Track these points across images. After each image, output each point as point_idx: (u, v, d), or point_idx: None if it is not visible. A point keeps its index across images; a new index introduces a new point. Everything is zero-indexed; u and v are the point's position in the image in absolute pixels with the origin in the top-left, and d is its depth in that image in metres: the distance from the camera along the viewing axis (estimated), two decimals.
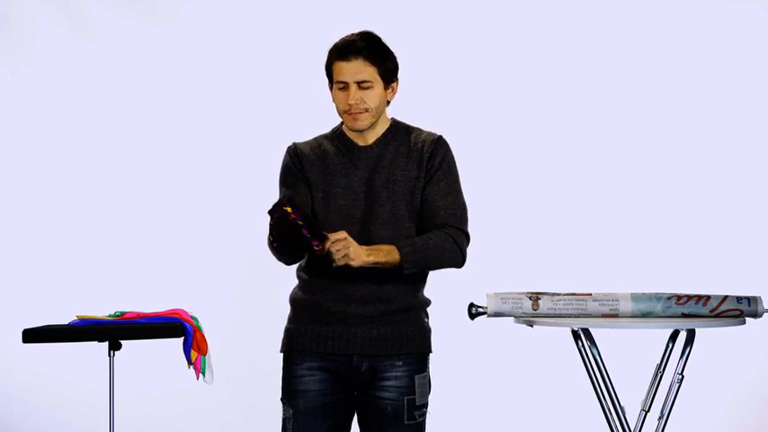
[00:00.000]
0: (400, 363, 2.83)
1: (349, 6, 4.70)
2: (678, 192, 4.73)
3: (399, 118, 2.96)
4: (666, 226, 4.71)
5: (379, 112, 2.86)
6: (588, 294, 2.79)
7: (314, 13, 4.77)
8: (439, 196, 2.84)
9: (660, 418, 2.82)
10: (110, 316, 3.49)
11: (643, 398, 2.93)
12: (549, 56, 4.78)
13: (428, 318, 2.94)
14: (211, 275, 4.76)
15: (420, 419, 2.86)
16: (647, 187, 4.73)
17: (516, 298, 2.79)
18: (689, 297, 2.78)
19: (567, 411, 4.53)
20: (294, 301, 2.92)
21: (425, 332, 2.91)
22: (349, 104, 2.81)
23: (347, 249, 2.66)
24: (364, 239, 2.76)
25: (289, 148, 2.95)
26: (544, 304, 2.77)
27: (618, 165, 4.75)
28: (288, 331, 2.90)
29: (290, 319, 2.91)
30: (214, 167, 4.81)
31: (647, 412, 2.89)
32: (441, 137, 2.91)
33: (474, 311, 2.80)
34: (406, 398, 2.83)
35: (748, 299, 2.79)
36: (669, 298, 2.78)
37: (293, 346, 2.87)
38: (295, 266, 2.94)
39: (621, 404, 2.77)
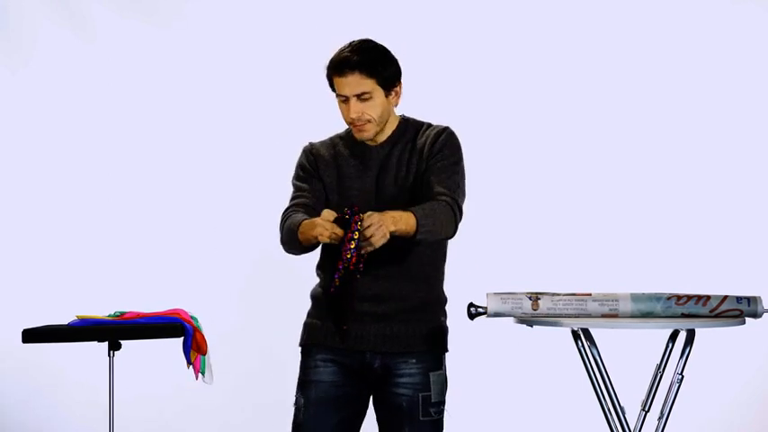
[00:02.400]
0: (414, 360, 2.85)
1: (351, 6, 4.70)
2: (678, 192, 4.73)
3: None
4: (666, 226, 4.71)
5: (384, 119, 2.86)
6: (588, 294, 2.79)
7: (316, 12, 4.77)
8: (434, 172, 2.83)
9: (660, 418, 2.82)
10: (110, 316, 3.50)
11: (643, 398, 2.93)
12: (549, 56, 4.78)
13: (445, 317, 2.95)
14: (211, 275, 4.76)
15: (437, 417, 2.87)
16: (647, 187, 4.73)
17: (516, 298, 2.78)
18: (689, 297, 2.78)
19: (567, 411, 4.53)
20: (314, 297, 2.95)
21: (441, 331, 2.92)
22: (351, 118, 2.82)
23: (381, 229, 2.57)
24: None
25: (305, 147, 2.97)
26: (544, 304, 2.77)
27: (618, 165, 4.75)
28: (306, 325, 2.94)
29: (310, 314, 2.95)
30: (215, 168, 4.81)
31: (647, 412, 2.88)
32: (447, 127, 2.91)
33: (474, 311, 2.80)
34: (420, 394, 2.84)
35: (748, 299, 2.79)
36: (669, 298, 2.78)
37: (310, 340, 2.91)
38: (306, 261, 2.94)
39: (621, 404, 2.77)
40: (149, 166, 4.81)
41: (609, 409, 2.78)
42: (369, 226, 2.55)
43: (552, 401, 4.60)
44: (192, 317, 3.50)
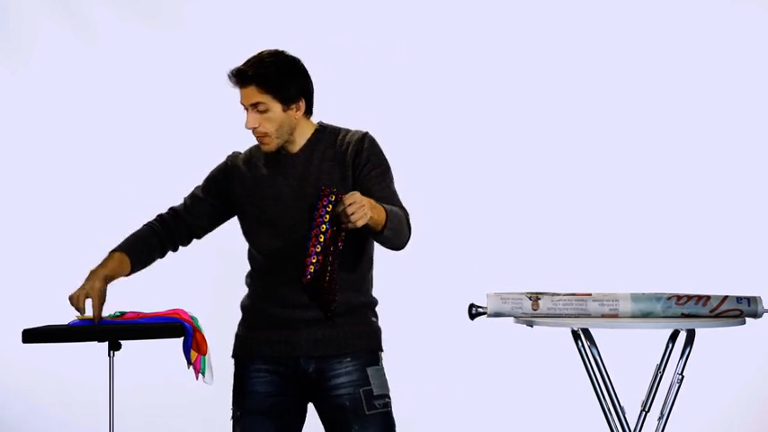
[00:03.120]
0: (349, 359, 2.84)
1: (351, 10, 4.70)
2: (678, 192, 4.73)
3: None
4: (666, 226, 4.71)
5: (285, 131, 2.84)
6: (588, 294, 2.79)
7: (316, 16, 4.77)
8: (372, 183, 2.81)
9: (660, 418, 2.82)
10: (110, 316, 3.49)
11: (643, 398, 2.93)
12: (549, 56, 4.78)
13: (376, 318, 2.93)
14: (211, 275, 4.76)
15: (383, 409, 2.84)
16: (646, 187, 4.73)
17: (516, 298, 2.79)
18: (689, 297, 2.78)
19: (567, 411, 4.52)
20: (243, 307, 2.97)
21: (374, 331, 2.90)
22: (248, 128, 2.83)
23: (363, 209, 2.53)
24: (296, 247, 2.70)
25: (228, 156, 3.02)
26: (544, 304, 2.77)
27: (618, 165, 4.75)
28: (237, 337, 2.97)
29: (240, 325, 2.97)
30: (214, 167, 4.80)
31: (647, 412, 2.88)
32: (366, 133, 2.88)
33: (474, 311, 2.80)
34: (361, 389, 2.82)
35: (748, 299, 2.79)
36: (669, 298, 2.78)
37: (242, 351, 2.93)
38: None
39: (621, 404, 2.77)
40: (149, 167, 4.81)
41: (609, 409, 2.78)
42: (351, 203, 2.50)
43: (552, 401, 4.60)
44: (192, 317, 3.50)
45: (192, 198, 3.07)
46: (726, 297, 2.79)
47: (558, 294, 2.79)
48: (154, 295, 4.26)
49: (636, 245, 4.69)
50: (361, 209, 2.51)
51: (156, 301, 3.71)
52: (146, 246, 3.07)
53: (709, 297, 2.79)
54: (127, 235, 3.05)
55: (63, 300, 4.43)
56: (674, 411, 2.81)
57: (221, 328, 4.24)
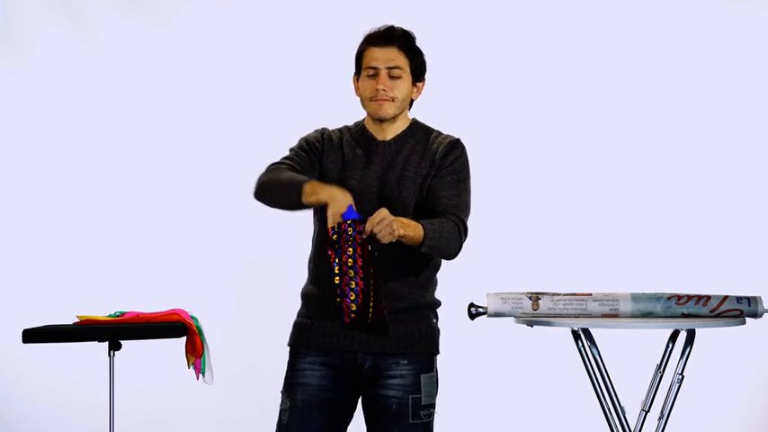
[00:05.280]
0: (405, 362, 2.82)
1: (350, 8, 4.70)
2: (678, 192, 4.73)
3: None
4: (666, 226, 4.71)
5: (404, 106, 2.88)
6: (588, 294, 2.79)
7: (315, 13, 4.77)
8: (443, 187, 2.84)
9: (660, 418, 2.82)
10: (110, 316, 3.49)
11: (643, 398, 2.93)
12: (549, 56, 4.78)
13: (437, 319, 2.93)
14: (211, 275, 4.76)
15: (426, 420, 2.85)
16: (647, 187, 4.73)
17: (516, 298, 2.79)
18: (689, 297, 2.78)
19: (567, 411, 4.53)
20: (304, 295, 2.92)
21: (433, 333, 2.90)
22: (376, 89, 2.82)
23: (391, 227, 2.57)
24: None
25: (319, 129, 2.97)
26: (544, 304, 2.77)
27: (618, 165, 4.75)
28: (296, 325, 2.92)
29: (300, 314, 2.92)
30: (215, 168, 4.81)
31: (647, 412, 2.89)
32: (459, 140, 2.92)
33: (474, 311, 2.80)
34: (411, 396, 2.82)
35: (748, 299, 2.79)
36: (669, 298, 2.78)
37: (299, 340, 2.88)
38: (305, 261, 2.93)
39: (621, 404, 2.77)
40: (149, 167, 4.81)
41: (609, 409, 2.78)
42: (380, 221, 2.55)
43: (552, 401, 4.60)
44: (192, 317, 3.50)
45: (297, 153, 2.92)
46: (726, 297, 2.79)
47: (559, 294, 2.79)
48: (154, 295, 4.27)
49: (636, 245, 4.69)
50: (387, 227, 2.56)
51: (157, 302, 3.72)
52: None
53: (709, 297, 2.79)
54: (281, 176, 2.81)
55: (63, 300, 4.45)
56: (674, 411, 2.81)
57: (223, 329, 4.26)
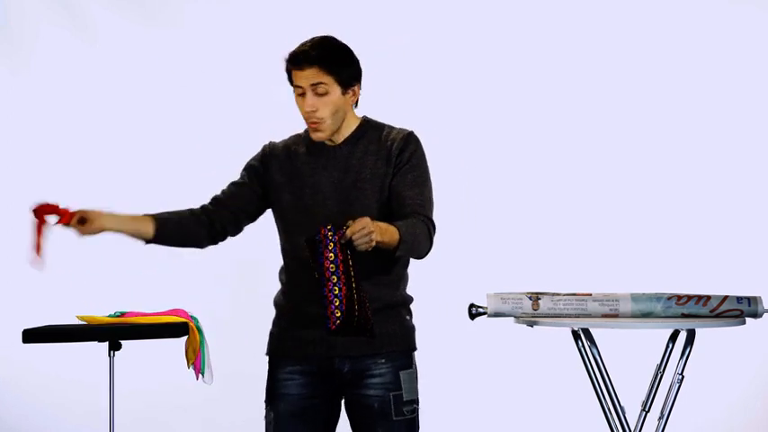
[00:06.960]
0: (383, 360, 2.83)
1: (349, 10, 4.70)
2: (678, 192, 4.73)
3: (376, 117, 2.95)
4: (666, 226, 4.71)
5: (340, 118, 2.83)
6: (588, 294, 2.79)
7: (315, 15, 4.77)
8: (406, 187, 2.82)
9: (660, 418, 2.82)
10: (110, 316, 3.49)
11: (643, 398, 2.93)
12: (549, 56, 4.78)
13: (410, 315, 2.93)
14: (211, 275, 4.77)
15: (410, 416, 2.85)
16: (646, 187, 4.73)
17: (516, 298, 2.79)
18: (689, 297, 2.78)
19: (567, 411, 4.53)
20: (276, 305, 2.94)
21: (408, 330, 2.90)
22: (306, 111, 2.81)
23: (370, 237, 2.55)
24: None
25: (264, 146, 2.98)
26: (544, 304, 2.77)
27: (618, 165, 4.75)
28: (271, 335, 2.93)
29: (274, 323, 2.94)
30: (215, 169, 4.78)
31: (647, 412, 2.89)
32: (411, 132, 2.89)
33: (474, 311, 2.80)
34: (392, 394, 2.82)
35: (748, 299, 2.79)
36: (669, 298, 2.78)
37: (276, 350, 2.90)
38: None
39: (621, 404, 2.77)
40: (149, 167, 4.81)
41: (609, 409, 2.78)
42: (361, 228, 2.53)
43: (552, 401, 4.60)
44: (192, 317, 3.50)
45: (232, 185, 3.00)
46: (726, 297, 2.79)
47: (559, 294, 2.79)
48: (154, 295, 4.27)
49: (636, 245, 4.69)
50: (367, 236, 2.53)
51: (157, 302, 3.72)
52: (180, 218, 3.01)
53: (709, 297, 2.79)
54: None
55: (63, 300, 4.45)
56: (674, 411, 2.81)
57: (222, 329, 4.26)
